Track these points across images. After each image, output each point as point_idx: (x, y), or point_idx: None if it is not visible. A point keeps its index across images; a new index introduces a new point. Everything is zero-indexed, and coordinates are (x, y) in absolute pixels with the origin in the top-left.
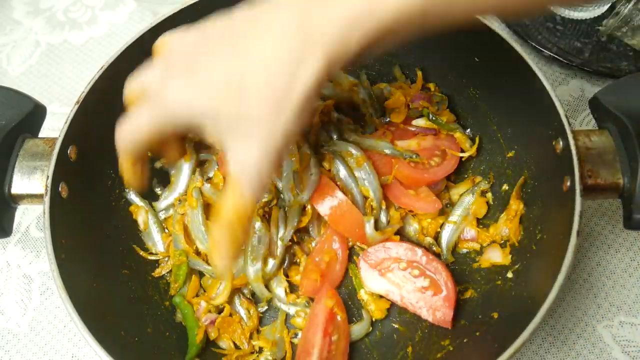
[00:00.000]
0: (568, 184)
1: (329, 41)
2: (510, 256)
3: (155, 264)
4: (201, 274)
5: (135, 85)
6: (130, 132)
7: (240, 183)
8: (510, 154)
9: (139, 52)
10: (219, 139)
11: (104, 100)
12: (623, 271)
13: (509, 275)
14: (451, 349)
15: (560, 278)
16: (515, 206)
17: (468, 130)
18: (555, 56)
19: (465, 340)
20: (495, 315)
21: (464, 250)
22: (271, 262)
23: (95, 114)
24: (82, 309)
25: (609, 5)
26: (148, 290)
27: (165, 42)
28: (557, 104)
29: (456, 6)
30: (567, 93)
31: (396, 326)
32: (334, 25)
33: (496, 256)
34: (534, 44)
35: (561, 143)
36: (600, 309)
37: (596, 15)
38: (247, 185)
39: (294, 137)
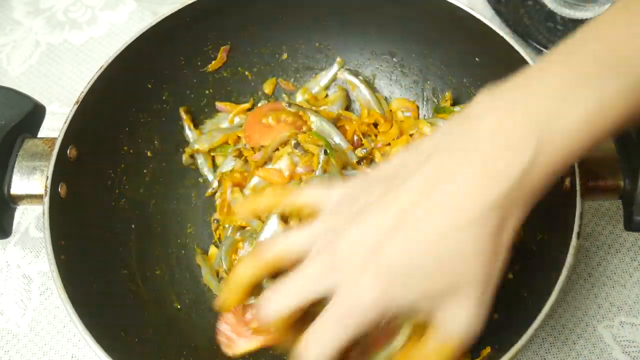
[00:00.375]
0: (568, 184)
1: (546, 178)
2: None
3: (155, 263)
4: None
5: (282, 247)
6: (275, 313)
7: (457, 344)
8: None
9: (139, 52)
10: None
11: (104, 100)
12: (623, 271)
13: (509, 275)
14: None
15: (561, 279)
16: None
17: None
18: None
19: None
20: (495, 315)
21: None
22: None
23: (95, 114)
24: (82, 310)
25: (609, 5)
26: (148, 291)
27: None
28: None
29: None
30: None
31: None
32: (541, 171)
33: None
34: (534, 43)
35: None
36: (601, 309)
37: (596, 15)
38: (469, 337)
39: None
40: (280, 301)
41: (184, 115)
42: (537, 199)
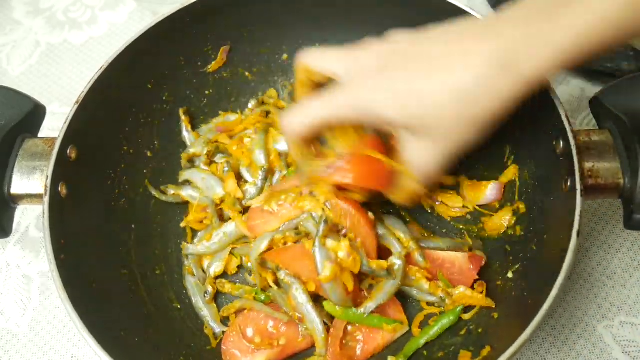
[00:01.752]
0: (568, 183)
1: (528, 80)
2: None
3: (155, 264)
4: None
5: (316, 64)
6: (302, 124)
7: (415, 175)
8: (510, 154)
9: (139, 52)
10: (395, 137)
11: (104, 100)
12: (623, 271)
13: (509, 275)
14: (452, 349)
15: (561, 278)
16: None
17: None
18: None
19: None
20: (496, 315)
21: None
22: None
23: (95, 114)
24: (82, 310)
25: None
26: (148, 290)
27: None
28: (557, 104)
29: None
30: (567, 93)
31: None
32: (539, 67)
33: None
34: None
35: (562, 143)
36: (601, 309)
37: None
38: (421, 177)
39: (465, 150)
40: (305, 112)
41: (182, 117)
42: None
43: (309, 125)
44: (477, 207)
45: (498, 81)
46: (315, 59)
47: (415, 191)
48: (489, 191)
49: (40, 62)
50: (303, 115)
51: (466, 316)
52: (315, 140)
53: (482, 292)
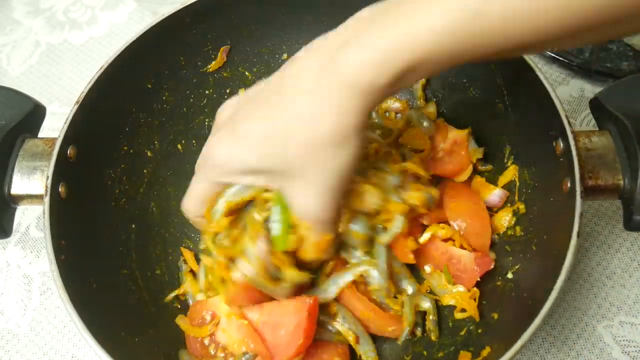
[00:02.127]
0: (568, 184)
1: (359, 83)
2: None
3: (155, 264)
4: None
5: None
6: (194, 201)
7: (309, 224)
8: (510, 154)
9: (139, 52)
10: (276, 188)
11: (104, 100)
12: (623, 271)
13: (509, 275)
14: (452, 349)
15: (561, 278)
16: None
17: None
18: (555, 56)
19: None
20: (496, 315)
21: None
22: None
23: (95, 114)
24: (82, 310)
25: None
26: (148, 290)
27: (217, 114)
28: (557, 104)
29: (484, 46)
30: (567, 93)
31: None
32: (360, 70)
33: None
34: None
35: (561, 144)
36: (601, 309)
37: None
38: (315, 224)
39: (350, 172)
40: (190, 195)
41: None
42: (374, 95)
43: (197, 204)
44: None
45: (334, 98)
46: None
47: (319, 240)
48: (493, 196)
49: (40, 62)
50: (188, 197)
51: (459, 315)
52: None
53: (475, 300)
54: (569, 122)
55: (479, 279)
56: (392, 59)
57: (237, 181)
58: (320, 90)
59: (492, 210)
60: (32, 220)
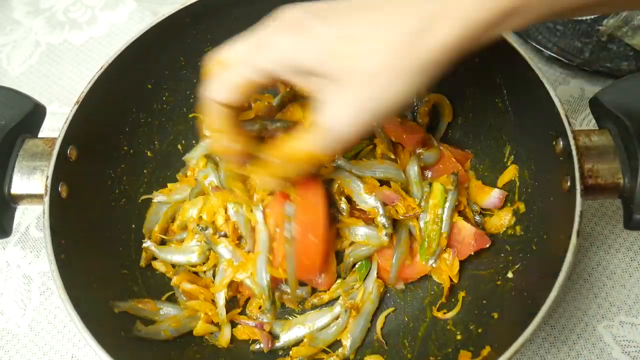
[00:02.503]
0: (568, 183)
1: (464, 12)
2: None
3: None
4: None
5: (227, 53)
6: (226, 84)
7: (325, 135)
8: (510, 154)
9: (139, 52)
10: (314, 91)
11: (104, 100)
12: (623, 271)
13: (509, 275)
14: (450, 350)
15: (561, 278)
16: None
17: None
18: (555, 56)
19: None
20: (496, 315)
21: None
22: None
23: (95, 114)
24: (82, 310)
25: None
26: (148, 290)
27: (276, 13)
28: (557, 104)
29: None
30: (567, 93)
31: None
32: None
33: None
34: (534, 43)
35: (561, 143)
36: (601, 309)
37: (596, 15)
38: (331, 139)
39: (396, 109)
40: (228, 76)
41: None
42: (472, 33)
43: (232, 88)
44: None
45: (437, 29)
46: (222, 51)
47: (314, 152)
48: (492, 198)
49: (40, 62)
50: (225, 78)
51: (447, 315)
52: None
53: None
54: (568, 121)
55: (472, 254)
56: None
57: (284, 76)
58: (420, 7)
59: (491, 212)
60: (32, 220)
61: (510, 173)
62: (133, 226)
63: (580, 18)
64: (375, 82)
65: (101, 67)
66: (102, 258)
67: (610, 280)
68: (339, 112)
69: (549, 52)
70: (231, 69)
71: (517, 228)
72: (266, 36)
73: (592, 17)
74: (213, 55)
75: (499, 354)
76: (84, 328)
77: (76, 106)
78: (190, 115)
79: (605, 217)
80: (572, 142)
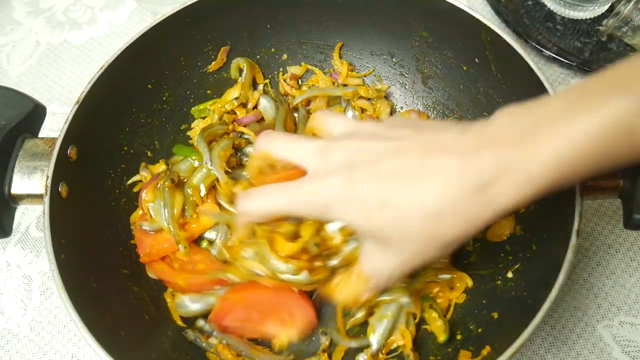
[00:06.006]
0: None
1: (497, 207)
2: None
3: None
4: None
5: (287, 155)
6: (265, 208)
7: (368, 281)
8: None
9: (139, 52)
10: (358, 233)
11: (104, 100)
12: (623, 271)
13: (509, 275)
14: (449, 350)
15: (560, 278)
16: None
17: None
18: (555, 56)
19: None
20: (495, 315)
21: None
22: None
23: (95, 114)
24: (82, 309)
25: (609, 5)
26: (148, 290)
27: (330, 123)
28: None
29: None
30: None
31: None
32: (509, 195)
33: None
34: (534, 43)
35: None
36: (600, 309)
37: (596, 15)
38: (373, 286)
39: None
40: (264, 201)
41: None
42: (490, 221)
43: (267, 214)
44: None
45: (470, 206)
46: (282, 149)
47: (359, 294)
48: None
49: (40, 62)
50: (264, 203)
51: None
52: None
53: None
54: None
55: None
56: (539, 189)
57: (319, 219)
58: (463, 197)
59: None
60: (32, 220)
61: None
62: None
63: (579, 18)
64: (408, 251)
65: (101, 67)
66: (102, 258)
67: (610, 280)
68: (378, 268)
69: (548, 52)
70: (275, 196)
71: (517, 228)
72: (319, 181)
73: (592, 17)
74: (269, 143)
75: (499, 353)
76: (84, 328)
77: (76, 106)
78: (193, 109)
79: (605, 217)
80: None
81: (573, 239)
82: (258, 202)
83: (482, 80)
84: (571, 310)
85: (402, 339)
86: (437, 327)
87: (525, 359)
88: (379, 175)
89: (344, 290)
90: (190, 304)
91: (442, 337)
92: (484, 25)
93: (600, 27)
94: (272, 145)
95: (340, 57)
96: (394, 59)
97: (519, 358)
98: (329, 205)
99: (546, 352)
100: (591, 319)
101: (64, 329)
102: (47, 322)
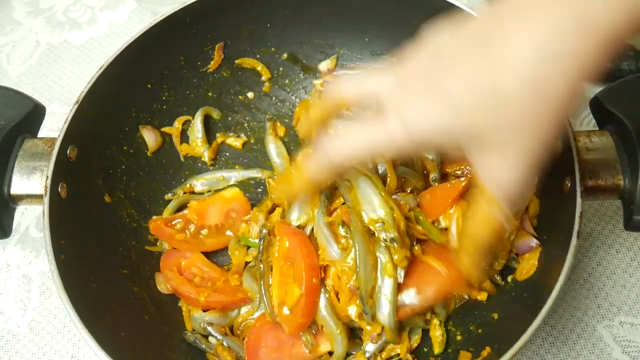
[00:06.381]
0: (568, 184)
1: (608, 36)
2: None
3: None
4: None
5: (362, 89)
6: (353, 151)
7: (499, 199)
8: None
9: (139, 52)
10: (465, 154)
11: (104, 100)
12: (623, 271)
13: (509, 277)
14: (449, 351)
15: (561, 279)
16: None
17: None
18: None
19: None
20: (495, 315)
21: None
22: None
23: (95, 113)
24: (82, 309)
25: None
26: (148, 290)
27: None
28: None
29: None
30: None
31: None
32: (613, 13)
33: None
34: None
35: (561, 144)
36: (601, 309)
37: None
38: (508, 201)
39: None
40: (358, 138)
41: None
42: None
43: (360, 153)
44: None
45: (575, 41)
46: (354, 85)
47: (499, 223)
48: (525, 245)
49: (40, 62)
50: (356, 141)
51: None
52: None
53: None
54: (569, 121)
55: None
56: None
57: (422, 148)
58: (553, 36)
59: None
60: (31, 220)
61: None
62: (134, 225)
63: None
64: (526, 136)
65: (101, 67)
66: (102, 258)
67: (610, 280)
68: (500, 177)
69: None
70: (365, 133)
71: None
72: (397, 103)
73: None
74: (340, 85)
75: (499, 355)
76: (84, 328)
77: (76, 106)
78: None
79: (605, 217)
80: (572, 142)
81: (573, 240)
82: (350, 141)
83: None
84: (571, 310)
85: (398, 348)
86: (436, 336)
87: (525, 359)
88: (459, 66)
89: (478, 225)
90: (208, 319)
91: (437, 349)
92: None
93: None
94: (343, 85)
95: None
96: (394, 58)
97: (519, 358)
98: (417, 125)
99: (546, 353)
100: (591, 319)
101: (63, 329)
102: (47, 322)
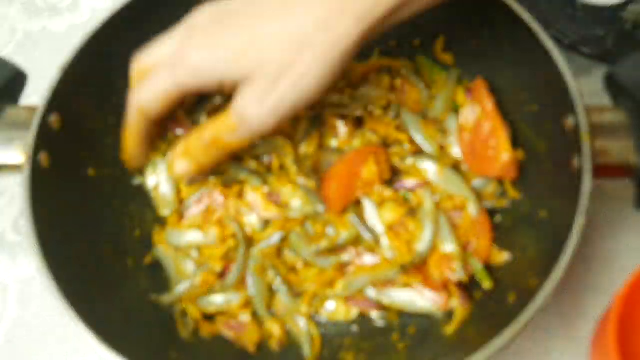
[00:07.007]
0: (576, 162)
1: (364, 23)
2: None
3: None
4: None
5: (148, 58)
6: (148, 99)
7: (237, 125)
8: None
9: (128, 18)
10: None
11: (89, 69)
12: (629, 257)
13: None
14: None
15: (565, 259)
16: None
17: None
18: (576, 45)
19: None
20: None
21: None
22: None
23: (81, 81)
24: (74, 302)
25: None
26: (145, 276)
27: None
28: (568, 78)
29: None
30: (588, 84)
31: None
32: (370, 9)
33: None
34: (552, 32)
35: (571, 119)
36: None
37: (621, 2)
38: (242, 130)
39: (309, 101)
40: (154, 85)
41: None
42: (371, 23)
43: (159, 99)
44: None
45: (337, 24)
46: (137, 61)
47: (227, 139)
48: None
49: (16, 52)
50: (152, 87)
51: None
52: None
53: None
54: (581, 95)
55: None
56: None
57: (203, 85)
58: (320, 7)
59: None
60: (7, 224)
61: (519, 153)
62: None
63: (602, 4)
64: (283, 82)
65: (89, 32)
66: (88, 240)
67: (615, 268)
68: (247, 102)
69: (568, 41)
70: (159, 78)
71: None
72: (182, 49)
73: (616, 3)
74: (135, 63)
75: (500, 330)
76: (79, 320)
77: (60, 72)
78: None
79: (613, 200)
80: (582, 118)
81: (580, 219)
82: (147, 87)
83: (496, 67)
84: (571, 299)
85: None
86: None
87: (525, 357)
88: (244, 19)
89: (211, 129)
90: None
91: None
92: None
93: (623, 14)
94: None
95: None
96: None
97: (518, 343)
98: (200, 63)
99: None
100: (593, 309)
101: (43, 340)
102: (25, 333)
